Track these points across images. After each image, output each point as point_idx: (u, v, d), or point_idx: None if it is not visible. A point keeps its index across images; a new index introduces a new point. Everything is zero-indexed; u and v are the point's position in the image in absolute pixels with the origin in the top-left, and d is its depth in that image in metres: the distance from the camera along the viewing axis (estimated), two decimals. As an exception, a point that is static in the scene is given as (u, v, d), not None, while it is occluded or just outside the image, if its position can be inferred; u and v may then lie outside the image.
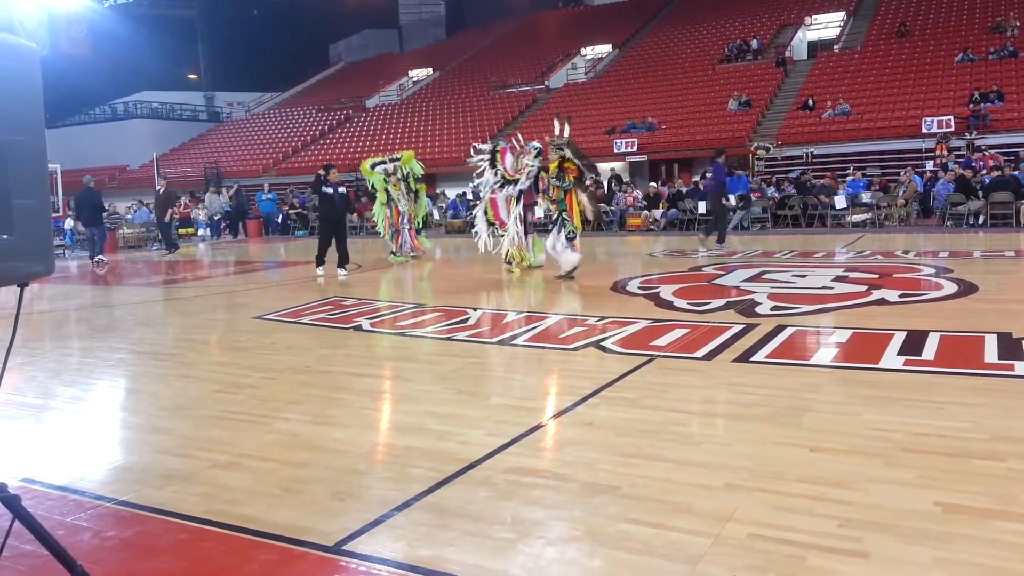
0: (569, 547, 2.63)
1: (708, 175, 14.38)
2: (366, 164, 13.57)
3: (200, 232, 24.27)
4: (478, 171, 10.94)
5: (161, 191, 18.19)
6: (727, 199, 13.61)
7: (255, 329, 7.23)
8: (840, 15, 30.08)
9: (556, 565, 2.53)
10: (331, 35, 50.53)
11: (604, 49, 34.30)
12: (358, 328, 6.90)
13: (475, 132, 28.83)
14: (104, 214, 17.95)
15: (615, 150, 24.18)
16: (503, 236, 10.68)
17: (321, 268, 11.32)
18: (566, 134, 9.89)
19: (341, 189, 11.65)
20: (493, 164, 10.59)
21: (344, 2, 47.25)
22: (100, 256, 16.21)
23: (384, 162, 13.49)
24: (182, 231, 23.38)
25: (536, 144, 10.51)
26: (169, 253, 17.59)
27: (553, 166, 9.79)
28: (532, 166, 10.29)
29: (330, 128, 34.19)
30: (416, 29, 50.98)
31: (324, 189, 11.36)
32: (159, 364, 5.91)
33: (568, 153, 9.52)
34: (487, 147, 10.92)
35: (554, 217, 9.95)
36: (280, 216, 24.22)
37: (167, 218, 17.91)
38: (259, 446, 3.77)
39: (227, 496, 3.15)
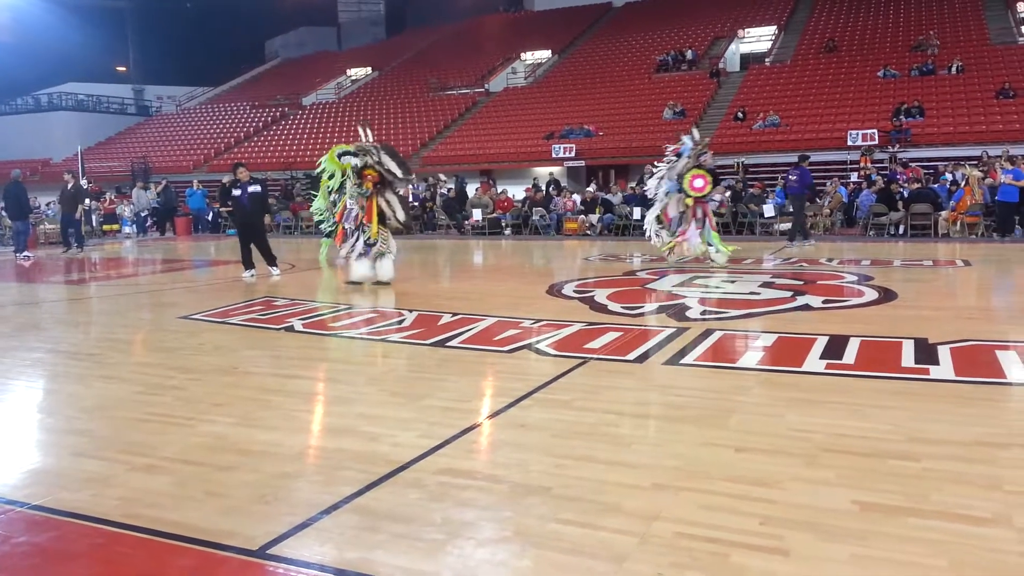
0: (499, 548, 2.63)
1: (793, 177, 14.88)
2: (334, 152, 12.88)
3: (126, 229, 23.49)
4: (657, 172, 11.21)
5: (69, 186, 17.35)
6: (813, 201, 14.63)
7: (181, 329, 7.03)
8: (772, 29, 30.95)
9: (485, 566, 2.52)
10: (267, 31, 49.61)
11: (544, 55, 34.54)
12: (290, 329, 6.77)
13: (414, 133, 28.69)
14: (32, 211, 17.21)
15: (553, 155, 24.36)
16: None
17: (248, 272, 10.63)
18: (371, 139, 9.71)
19: (254, 188, 10.65)
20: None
21: (282, -2, 46.47)
22: (26, 253, 15.57)
23: (353, 153, 12.85)
24: (106, 227, 22.59)
25: (689, 138, 11.13)
26: (68, 251, 16.75)
27: (371, 173, 9.46)
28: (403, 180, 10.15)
29: (264, 125, 33.52)
30: (355, 28, 50.42)
31: (233, 191, 10.68)
32: (79, 364, 5.69)
33: (370, 160, 9.36)
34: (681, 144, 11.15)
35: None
36: (210, 214, 23.61)
37: (77, 215, 17.14)
38: (182, 449, 3.66)
39: (147, 500, 3.05)
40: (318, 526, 2.79)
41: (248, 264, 10.67)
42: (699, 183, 10.92)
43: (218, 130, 34.31)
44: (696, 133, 11.72)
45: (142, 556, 2.63)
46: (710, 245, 11.17)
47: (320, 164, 11.60)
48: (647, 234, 11.81)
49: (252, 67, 45.80)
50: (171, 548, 2.66)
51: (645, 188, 12.47)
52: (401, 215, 9.68)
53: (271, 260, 10.77)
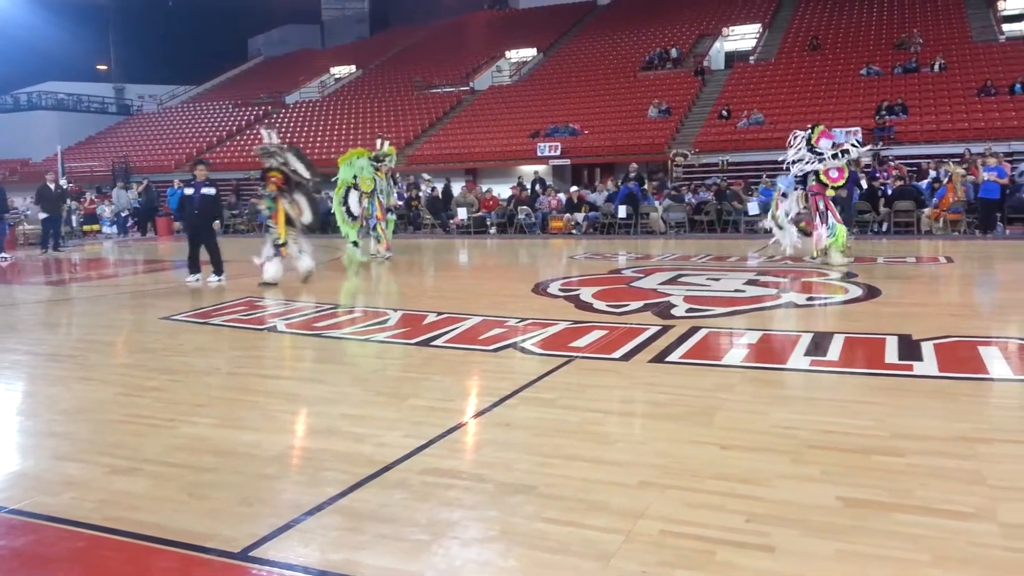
0: (484, 547, 2.62)
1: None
2: (356, 156, 12.77)
3: (106, 230, 23.27)
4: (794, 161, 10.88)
5: (53, 187, 17.28)
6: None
7: (162, 330, 6.96)
8: (756, 27, 31.06)
9: (471, 566, 2.50)
10: (250, 29, 49.25)
11: (529, 53, 34.50)
12: (273, 329, 6.72)
13: (399, 132, 28.58)
14: (8, 212, 17.03)
15: (538, 153, 24.33)
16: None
17: (193, 276, 9.98)
18: (275, 141, 9.67)
19: (207, 190, 10.02)
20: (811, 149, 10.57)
21: (264, -5, 46.21)
22: (3, 254, 15.39)
23: (369, 156, 12.81)
24: (86, 228, 22.39)
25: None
26: (45, 252, 16.68)
27: (276, 175, 9.52)
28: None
29: (247, 124, 33.28)
30: (339, 26, 50.18)
31: (184, 189, 10.45)
32: (58, 366, 5.62)
33: (275, 162, 9.34)
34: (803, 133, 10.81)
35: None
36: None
37: (63, 215, 17.10)
38: (163, 451, 3.62)
39: (127, 503, 3.01)
40: (301, 528, 2.76)
41: (194, 267, 10.11)
42: (835, 174, 10.57)
43: (200, 129, 34.05)
44: (858, 134, 11.51)
45: (122, 559, 2.60)
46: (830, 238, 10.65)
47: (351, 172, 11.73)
48: (779, 238, 11.34)
49: (234, 65, 45.47)
50: (152, 551, 2.62)
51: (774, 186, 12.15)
52: (308, 216, 9.76)
53: (218, 267, 10.08)
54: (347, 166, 12.61)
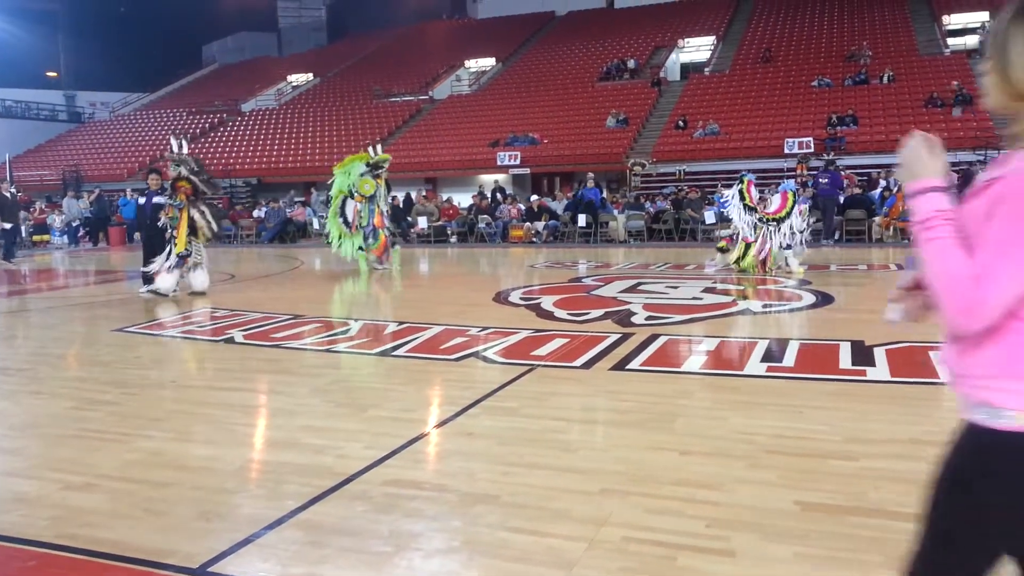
0: (447, 558, 2.61)
1: (824, 180, 15.15)
2: (355, 162, 12.54)
3: (56, 240, 22.71)
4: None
5: (8, 196, 16.90)
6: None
7: (116, 342, 6.81)
8: (711, 39, 31.60)
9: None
10: (204, 35, 48.52)
11: (488, 62, 34.62)
12: (230, 340, 6.62)
13: (357, 140, 28.40)
14: None
15: (498, 162, 24.40)
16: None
17: (145, 287, 9.78)
18: (184, 151, 9.70)
19: (158, 199, 9.87)
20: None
21: (219, 2, 45.58)
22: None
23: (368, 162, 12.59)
24: (36, 238, 21.83)
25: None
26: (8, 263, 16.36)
27: (184, 184, 9.50)
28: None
29: (202, 131, 32.81)
30: (296, 33, 49.74)
31: (138, 199, 10.49)
32: (8, 380, 5.47)
33: (184, 170, 9.39)
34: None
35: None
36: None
37: (14, 225, 16.69)
38: (118, 466, 3.54)
39: (81, 519, 2.94)
40: (261, 542, 2.73)
41: (149, 278, 9.85)
42: (774, 207, 10.84)
43: (154, 137, 33.43)
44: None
45: (75, 579, 2.54)
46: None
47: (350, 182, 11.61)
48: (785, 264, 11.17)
49: (189, 72, 44.76)
50: (107, 568, 2.57)
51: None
52: (214, 226, 9.83)
53: (147, 279, 9.83)
54: (343, 174, 12.35)
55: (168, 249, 9.53)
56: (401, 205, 20.99)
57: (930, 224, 1.36)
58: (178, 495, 3.18)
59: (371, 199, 12.32)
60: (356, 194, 12.19)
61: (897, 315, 1.61)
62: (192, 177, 9.35)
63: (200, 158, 10.69)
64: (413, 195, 21.93)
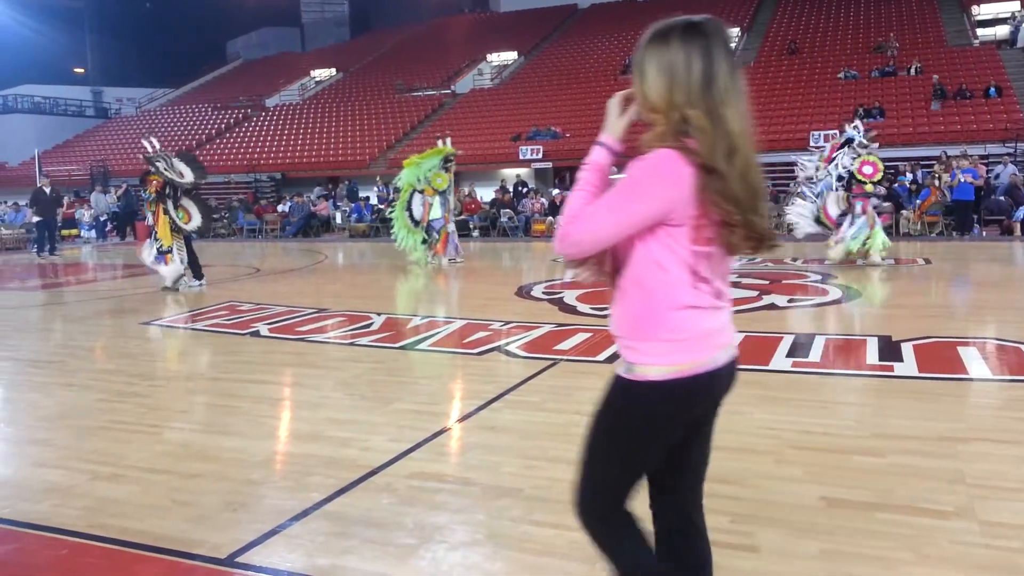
0: (471, 551, 2.62)
1: None
2: (430, 157, 12.44)
3: (84, 234, 23.04)
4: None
5: (48, 191, 17.30)
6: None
7: (144, 335, 6.91)
8: (735, 31, 31.29)
9: (458, 569, 2.51)
10: (229, 31, 48.93)
11: (510, 56, 34.55)
12: (255, 334, 6.68)
13: (380, 135, 28.53)
14: None
15: (520, 156, 24.37)
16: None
17: (196, 281, 10.22)
18: (157, 148, 9.73)
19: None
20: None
21: (244, -2, 45.92)
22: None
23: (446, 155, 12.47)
24: (64, 233, 22.17)
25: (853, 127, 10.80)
26: (42, 255, 16.78)
27: (155, 179, 9.63)
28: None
29: (227, 127, 33.08)
30: (319, 28, 49.99)
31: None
32: (39, 372, 5.56)
33: (156, 167, 9.43)
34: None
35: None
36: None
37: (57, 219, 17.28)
38: (147, 457, 3.60)
39: (111, 509, 2.99)
40: (287, 533, 2.76)
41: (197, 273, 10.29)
42: (868, 169, 10.45)
43: (179, 132, 33.78)
44: (860, 124, 11.23)
45: (107, 566, 2.58)
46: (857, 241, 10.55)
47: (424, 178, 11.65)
48: (798, 231, 11.08)
49: (213, 68, 45.17)
50: (137, 558, 2.61)
51: (797, 186, 11.76)
52: (197, 221, 9.87)
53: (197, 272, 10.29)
54: (414, 168, 12.30)
55: (149, 244, 9.78)
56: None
57: (583, 170, 1.71)
58: (206, 486, 3.22)
59: (443, 193, 12.37)
60: (428, 187, 12.18)
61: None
62: (165, 172, 9.48)
63: (192, 153, 10.81)
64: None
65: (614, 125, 1.73)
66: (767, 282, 9.07)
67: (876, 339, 5.64)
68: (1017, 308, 7.51)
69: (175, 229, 9.68)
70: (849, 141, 10.63)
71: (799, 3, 32.28)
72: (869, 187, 10.47)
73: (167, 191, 9.62)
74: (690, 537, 1.90)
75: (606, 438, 1.74)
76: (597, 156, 1.72)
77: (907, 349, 5.31)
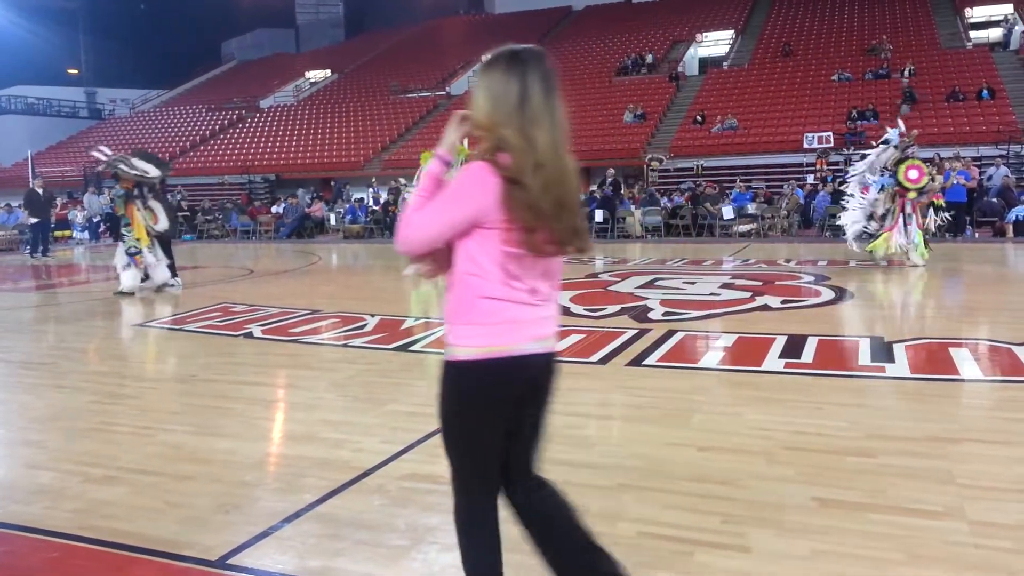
0: (463, 552, 2.62)
1: None
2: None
3: (77, 235, 22.97)
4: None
5: (41, 192, 17.30)
6: None
7: (136, 337, 6.89)
8: (729, 33, 31.39)
9: (450, 570, 2.51)
10: (223, 32, 48.86)
11: (505, 57, 34.53)
12: (248, 335, 6.67)
13: (374, 136, 28.52)
14: None
15: (515, 158, 24.36)
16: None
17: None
18: (109, 154, 9.76)
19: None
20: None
21: (238, -1, 45.85)
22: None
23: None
24: (57, 234, 22.11)
25: (895, 130, 10.80)
26: (35, 256, 16.76)
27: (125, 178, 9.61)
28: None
29: (221, 128, 33.03)
30: (313, 30, 49.94)
31: None
32: (30, 374, 5.54)
33: (123, 167, 9.43)
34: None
35: None
36: (167, 219, 23.17)
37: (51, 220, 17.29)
38: (139, 459, 3.59)
39: (103, 511, 2.98)
40: (279, 535, 2.76)
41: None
42: (914, 174, 10.42)
43: (173, 133, 33.73)
44: (902, 124, 11.23)
45: (98, 569, 2.57)
46: (910, 243, 10.52)
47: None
48: (847, 236, 11.07)
49: (208, 69, 45.09)
50: (129, 560, 2.60)
51: (845, 186, 11.67)
52: (163, 223, 9.79)
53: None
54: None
55: (121, 246, 9.72)
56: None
57: (422, 181, 1.92)
58: (198, 488, 3.21)
59: None
60: None
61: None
62: (131, 172, 9.47)
63: (149, 151, 10.80)
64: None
65: (448, 139, 1.95)
66: (761, 283, 9.09)
67: (868, 340, 5.66)
68: (1009, 309, 7.54)
69: (145, 231, 9.66)
70: (886, 142, 10.67)
71: (793, 5, 32.38)
72: (913, 195, 10.50)
73: (136, 191, 9.60)
74: (539, 491, 2.12)
75: (448, 422, 1.98)
76: (432, 167, 1.93)
77: (899, 350, 5.33)
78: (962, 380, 4.69)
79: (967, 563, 2.44)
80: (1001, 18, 27.56)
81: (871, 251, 10.63)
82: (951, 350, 5.34)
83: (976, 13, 28.27)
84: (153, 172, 9.71)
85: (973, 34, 27.43)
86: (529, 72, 1.84)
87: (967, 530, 2.65)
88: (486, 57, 1.92)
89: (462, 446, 1.98)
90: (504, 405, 1.93)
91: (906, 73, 23.44)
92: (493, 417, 1.93)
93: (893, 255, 10.55)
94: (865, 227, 10.82)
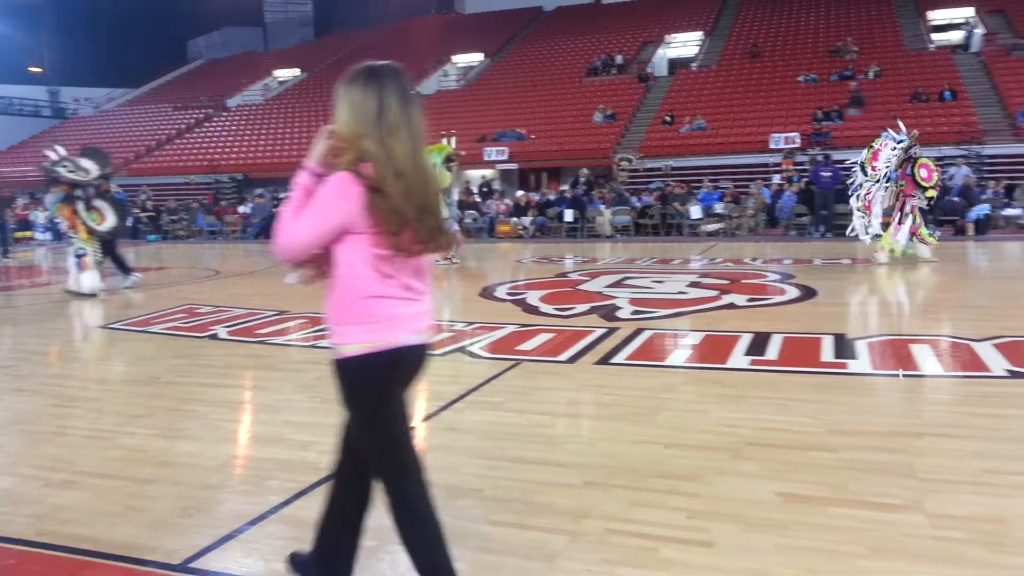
0: (430, 552, 2.61)
1: (827, 173, 15.71)
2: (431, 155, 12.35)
3: (39, 236, 22.54)
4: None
5: (1, 192, 17.03)
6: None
7: (99, 339, 6.78)
8: (698, 35, 31.64)
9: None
10: (190, 31, 48.23)
11: (476, 57, 34.53)
12: (214, 337, 6.59)
13: (344, 136, 28.29)
14: None
15: (486, 158, 24.37)
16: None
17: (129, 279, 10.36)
18: (63, 154, 9.72)
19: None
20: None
21: (205, -3, 45.29)
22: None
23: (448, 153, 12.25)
24: (18, 235, 21.67)
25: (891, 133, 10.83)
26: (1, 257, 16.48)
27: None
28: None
29: (188, 127, 32.61)
30: (282, 28, 49.49)
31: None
32: (-12, 377, 5.42)
33: (62, 171, 9.42)
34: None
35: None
36: (131, 219, 22.84)
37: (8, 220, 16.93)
38: (100, 463, 3.53)
39: (62, 516, 2.93)
40: (243, 538, 2.73)
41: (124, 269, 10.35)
42: (924, 172, 10.50)
43: (139, 133, 33.22)
44: (902, 125, 11.31)
45: (55, 575, 2.52)
46: (914, 239, 10.74)
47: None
48: (855, 231, 11.13)
49: (174, 68, 44.43)
50: (88, 565, 2.56)
51: (852, 181, 11.67)
52: (111, 221, 9.74)
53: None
54: None
55: (70, 249, 9.65)
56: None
57: (293, 190, 2.04)
58: (160, 491, 3.17)
59: (445, 191, 12.25)
60: None
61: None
62: (68, 176, 9.39)
63: (97, 148, 10.73)
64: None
65: (316, 151, 2.07)
66: (727, 282, 9.19)
67: (831, 337, 5.74)
68: (969, 306, 7.70)
69: (89, 231, 9.54)
70: (896, 141, 10.77)
71: (761, 7, 32.73)
72: (932, 192, 10.61)
73: (78, 192, 9.48)
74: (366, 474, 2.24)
75: (356, 421, 2.14)
76: (302, 178, 2.06)
77: (861, 347, 5.42)
78: (923, 375, 4.78)
79: (924, 554, 2.49)
80: (962, 21, 28.11)
81: (883, 248, 10.77)
82: (912, 347, 5.44)
83: (938, 16, 28.79)
84: (95, 172, 9.62)
85: (935, 36, 27.94)
86: (386, 87, 2.02)
87: (925, 522, 2.70)
88: (348, 72, 2.08)
89: (377, 438, 2.11)
90: (395, 392, 2.10)
91: (870, 75, 23.81)
92: (390, 404, 2.09)
93: (900, 251, 10.73)
94: (874, 228, 10.96)
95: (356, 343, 2.02)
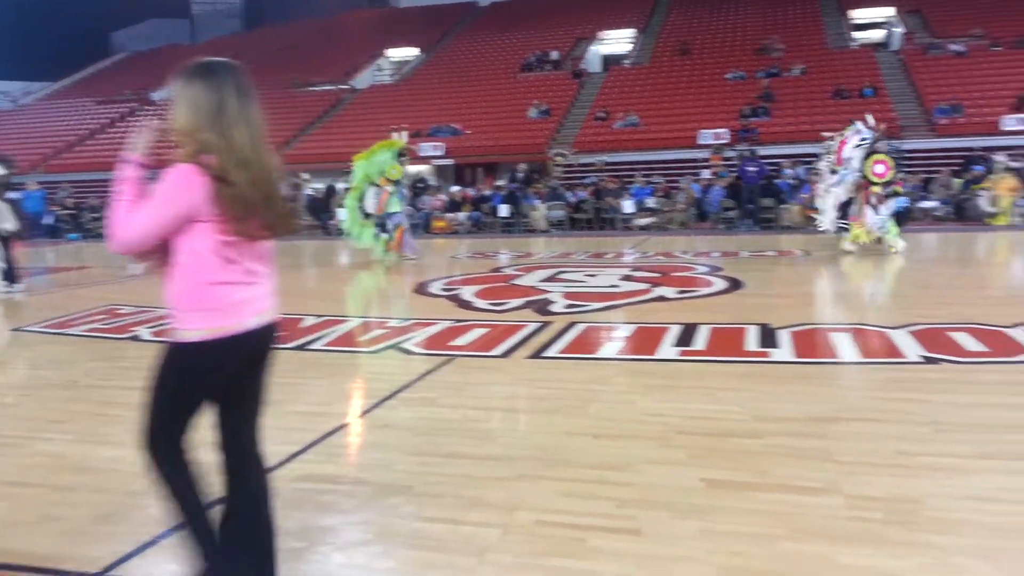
0: (360, 551, 2.60)
1: (753, 168, 15.73)
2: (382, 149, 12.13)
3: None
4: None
5: None
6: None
7: (14, 342, 6.51)
8: (631, 32, 32.02)
9: (346, 570, 2.49)
10: (113, 22, 46.48)
11: (410, 52, 34.25)
12: (136, 338, 6.39)
13: (275, 130, 27.59)
14: None
15: (421, 153, 24.18)
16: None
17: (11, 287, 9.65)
18: None
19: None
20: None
21: (128, -13, 43.77)
22: None
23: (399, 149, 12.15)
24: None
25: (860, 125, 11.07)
26: None
27: None
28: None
29: (111, 122, 31.48)
30: (209, 20, 48.15)
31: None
32: None
33: None
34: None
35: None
36: (50, 217, 21.99)
37: None
38: (15, 471, 3.40)
39: (-27, 528, 2.81)
40: (167, 543, 2.66)
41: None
42: (880, 168, 10.82)
43: (58, 128, 31.93)
44: (870, 119, 11.51)
45: (-35, 589, 2.42)
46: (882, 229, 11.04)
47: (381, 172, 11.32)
48: (823, 223, 11.42)
49: (96, 60, 42.82)
50: (0, 578, 2.46)
51: (813, 173, 12.00)
52: (11, 224, 9.51)
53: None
54: (366, 163, 12.02)
55: None
56: (322, 197, 20.65)
57: (119, 184, 2.11)
58: (80, 499, 3.07)
59: (397, 184, 12.09)
60: (382, 177, 11.87)
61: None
62: None
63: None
64: (337, 187, 21.55)
65: (138, 144, 2.16)
66: (658, 275, 9.34)
67: (756, 327, 5.90)
68: (887, 295, 8.01)
69: None
70: (861, 137, 11.11)
71: (691, 6, 33.30)
72: (878, 188, 10.97)
73: None
74: (249, 467, 2.35)
75: (159, 390, 2.19)
76: (127, 171, 2.14)
77: (784, 336, 5.58)
78: (841, 363, 4.95)
79: (844, 535, 2.58)
80: (883, 20, 29.14)
81: (853, 241, 11.15)
82: (831, 335, 5.63)
83: (860, 15, 29.78)
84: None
85: (857, 34, 28.90)
86: (223, 82, 2.11)
87: (843, 504, 2.81)
88: (181, 69, 2.16)
89: (169, 409, 2.20)
90: (220, 379, 2.19)
91: (796, 72, 24.49)
92: (205, 390, 2.20)
93: (869, 240, 11.11)
94: (841, 222, 11.33)
95: (203, 328, 2.08)
